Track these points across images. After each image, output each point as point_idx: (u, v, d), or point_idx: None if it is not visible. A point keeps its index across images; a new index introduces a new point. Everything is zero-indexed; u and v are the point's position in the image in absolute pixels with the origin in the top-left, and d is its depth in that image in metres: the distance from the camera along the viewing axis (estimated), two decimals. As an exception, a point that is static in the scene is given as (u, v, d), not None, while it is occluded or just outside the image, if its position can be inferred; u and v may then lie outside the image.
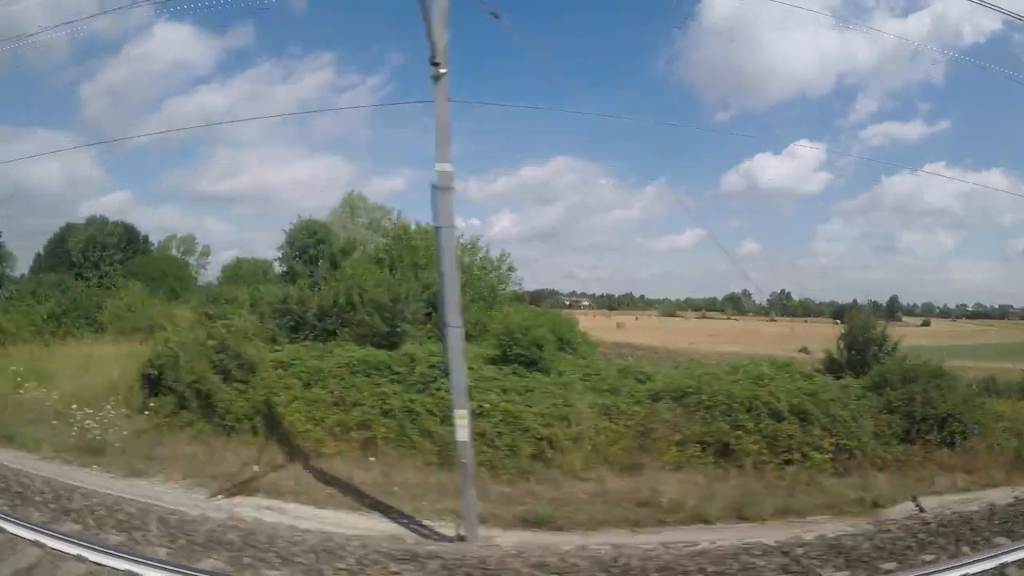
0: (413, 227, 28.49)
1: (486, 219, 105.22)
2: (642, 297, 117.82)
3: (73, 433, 10.22)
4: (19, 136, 68.61)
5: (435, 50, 6.81)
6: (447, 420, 8.59)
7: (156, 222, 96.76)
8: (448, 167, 6.82)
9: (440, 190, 6.85)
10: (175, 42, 79.62)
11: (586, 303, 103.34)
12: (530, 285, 73.04)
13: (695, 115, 78.43)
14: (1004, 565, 6.10)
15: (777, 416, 10.36)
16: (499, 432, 9.93)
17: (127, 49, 77.88)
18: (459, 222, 50.87)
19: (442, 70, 6.86)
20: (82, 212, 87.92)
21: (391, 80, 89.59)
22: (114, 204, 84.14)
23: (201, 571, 5.67)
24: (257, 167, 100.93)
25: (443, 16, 6.88)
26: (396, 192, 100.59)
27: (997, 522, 7.74)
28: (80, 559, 5.66)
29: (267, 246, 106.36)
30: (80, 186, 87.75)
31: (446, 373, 8.02)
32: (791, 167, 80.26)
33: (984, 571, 6.03)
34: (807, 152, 65.31)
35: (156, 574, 5.49)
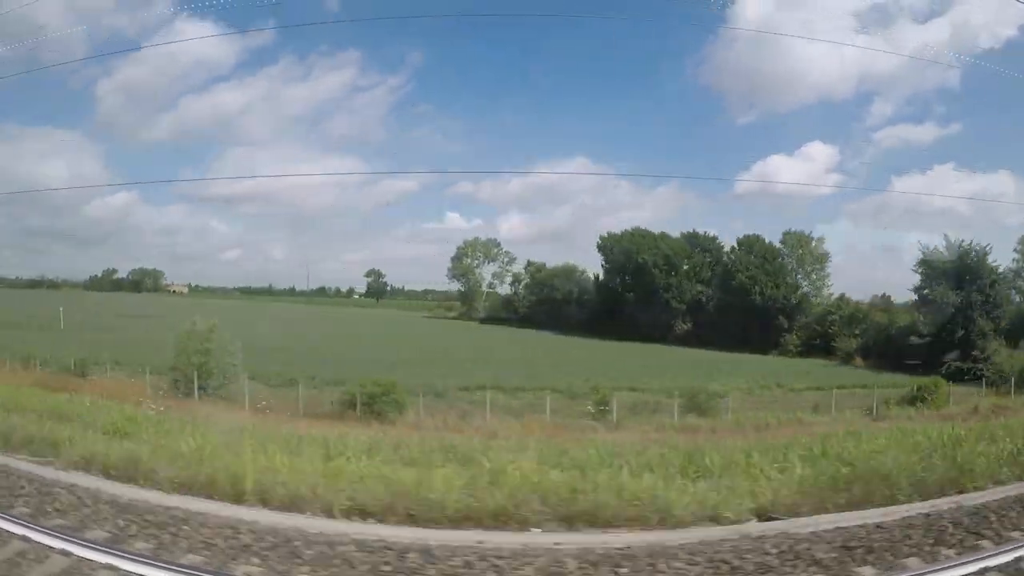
0: None
1: (492, 220, 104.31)
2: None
3: None
4: (28, 136, 65.35)
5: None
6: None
7: (161, 222, 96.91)
8: None
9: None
10: (194, 39, 75.69)
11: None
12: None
13: (716, 117, 75.79)
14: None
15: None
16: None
17: (140, 47, 74.67)
18: (462, 222, 66.12)
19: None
20: (86, 213, 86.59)
21: (411, 79, 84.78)
22: (117, 204, 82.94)
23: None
24: (267, 167, 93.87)
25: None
26: (407, 193, 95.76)
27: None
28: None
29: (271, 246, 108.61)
30: (85, 186, 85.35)
31: None
32: (804, 168, 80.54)
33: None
34: (819, 154, 68.23)
35: None
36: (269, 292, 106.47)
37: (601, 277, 58.42)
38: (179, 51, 73.05)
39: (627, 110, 71.32)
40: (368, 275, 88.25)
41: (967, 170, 66.33)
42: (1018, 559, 5.06)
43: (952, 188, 57.56)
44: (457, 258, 72.23)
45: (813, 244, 52.46)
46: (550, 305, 59.61)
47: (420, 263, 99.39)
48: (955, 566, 5.01)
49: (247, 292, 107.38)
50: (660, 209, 79.14)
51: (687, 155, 71.56)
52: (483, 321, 67.96)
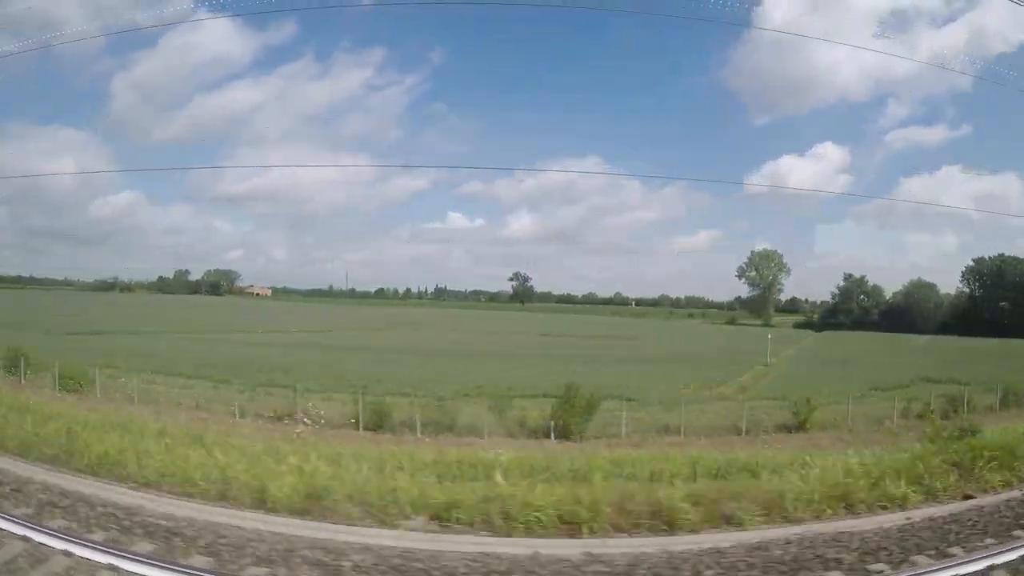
0: None
1: (501, 219, 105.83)
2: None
3: None
4: (36, 135, 64.74)
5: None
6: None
7: (165, 222, 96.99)
8: None
9: None
10: (207, 37, 70.28)
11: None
12: (539, 285, 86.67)
13: (732, 119, 79.59)
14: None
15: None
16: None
17: (148, 45, 66.90)
18: (464, 222, 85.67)
19: None
20: (90, 212, 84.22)
21: (429, 78, 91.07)
22: (122, 204, 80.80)
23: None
24: (275, 167, 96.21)
25: None
26: (417, 193, 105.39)
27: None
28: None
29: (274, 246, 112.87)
30: (90, 185, 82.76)
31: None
32: (814, 170, 77.92)
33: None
34: (831, 155, 72.31)
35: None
36: (329, 294, 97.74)
37: (974, 291, 70.40)
38: (192, 48, 68.54)
39: (642, 109, 75.61)
40: (512, 279, 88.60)
41: (974, 171, 71.08)
42: None
43: (960, 189, 67.81)
44: (748, 267, 79.65)
45: None
46: (913, 313, 68.54)
47: (420, 263, 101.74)
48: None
49: (316, 295, 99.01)
50: (668, 209, 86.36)
51: (698, 156, 77.38)
52: (798, 326, 75.36)
